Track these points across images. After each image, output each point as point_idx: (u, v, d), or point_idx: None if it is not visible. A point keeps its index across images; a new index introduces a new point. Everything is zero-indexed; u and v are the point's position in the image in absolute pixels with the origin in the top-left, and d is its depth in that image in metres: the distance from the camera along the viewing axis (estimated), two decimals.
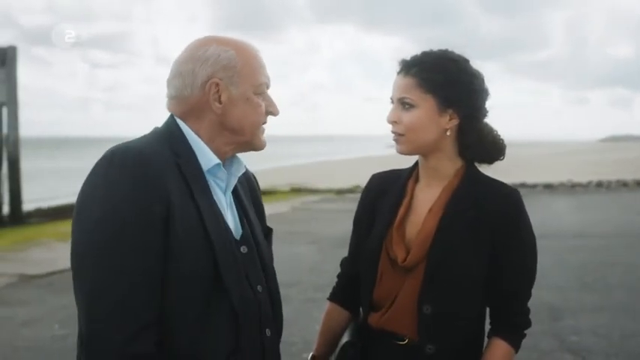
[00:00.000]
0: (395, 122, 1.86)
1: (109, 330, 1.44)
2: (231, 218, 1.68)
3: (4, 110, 15.36)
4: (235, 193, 1.73)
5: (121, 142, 1.58)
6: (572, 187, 20.78)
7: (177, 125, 1.64)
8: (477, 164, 1.94)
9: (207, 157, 1.62)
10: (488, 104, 1.90)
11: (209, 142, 1.64)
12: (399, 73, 1.89)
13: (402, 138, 1.86)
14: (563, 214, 13.90)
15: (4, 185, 15.41)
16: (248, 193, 1.80)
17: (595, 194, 18.64)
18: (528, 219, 1.89)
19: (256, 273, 1.68)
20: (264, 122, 1.70)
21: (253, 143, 1.69)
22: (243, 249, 1.66)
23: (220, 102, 1.62)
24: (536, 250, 1.90)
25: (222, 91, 1.62)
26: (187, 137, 1.63)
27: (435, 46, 1.90)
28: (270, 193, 19.16)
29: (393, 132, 1.87)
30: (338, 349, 1.97)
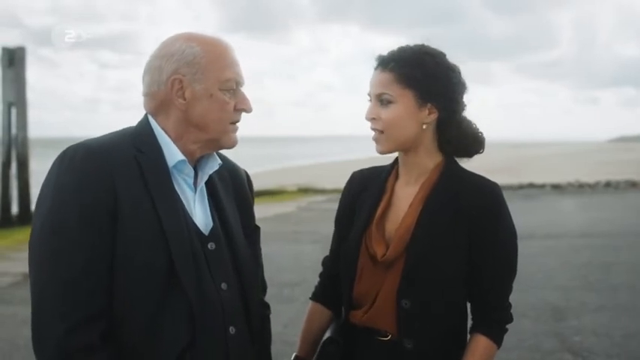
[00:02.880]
0: (374, 119, 1.86)
1: (50, 322, 1.48)
2: (200, 214, 1.68)
3: (13, 110, 15.46)
4: (212, 189, 1.73)
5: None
6: (580, 188, 20.69)
7: (148, 122, 1.67)
8: (458, 159, 1.92)
9: (172, 153, 1.63)
10: (466, 98, 1.90)
11: (177, 140, 1.65)
12: (375, 68, 1.88)
13: (382, 136, 1.85)
14: (570, 215, 13.84)
15: (13, 185, 15.50)
16: (230, 190, 1.78)
17: (603, 194, 18.54)
18: (508, 213, 1.87)
19: (223, 270, 1.67)
20: (235, 120, 1.68)
21: (221, 141, 1.68)
22: (211, 245, 1.66)
23: (184, 98, 1.62)
24: (516, 244, 1.88)
25: (185, 88, 1.62)
26: (155, 133, 1.65)
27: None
28: (277, 193, 19.18)
29: (372, 129, 1.86)
30: (319, 346, 1.96)
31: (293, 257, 8.85)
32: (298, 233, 11.23)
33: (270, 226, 11.80)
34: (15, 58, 15.17)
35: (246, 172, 1.89)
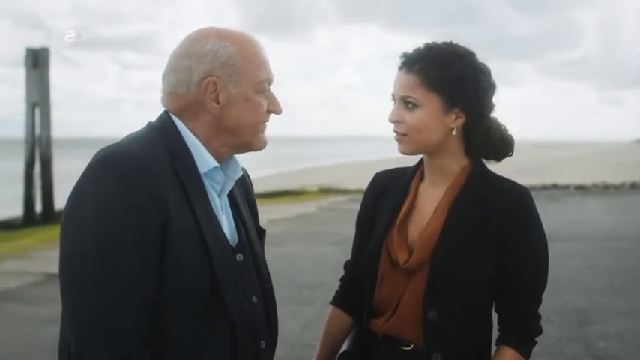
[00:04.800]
0: (397, 122, 1.78)
1: (102, 348, 1.36)
2: (226, 224, 1.59)
3: (37, 111, 15.64)
4: (231, 196, 1.64)
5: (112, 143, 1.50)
6: (605, 189, 20.41)
7: (173, 123, 1.55)
8: (485, 161, 1.85)
9: (204, 160, 1.53)
10: (494, 99, 1.81)
11: (206, 143, 1.54)
12: (400, 68, 1.79)
13: (405, 138, 1.77)
14: (595, 216, 13.66)
15: (37, 185, 15.67)
16: (243, 194, 1.70)
17: (628, 196, 18.28)
18: (538, 218, 1.79)
19: (252, 282, 1.59)
20: (266, 121, 1.60)
21: (252, 144, 1.59)
22: (239, 257, 1.57)
23: (218, 102, 1.52)
24: (546, 251, 1.81)
25: (219, 90, 1.52)
26: (184, 137, 1.53)
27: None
28: (299, 193, 19.16)
29: (395, 131, 1.79)
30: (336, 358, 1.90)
31: (313, 258, 8.80)
32: (319, 234, 11.18)
33: (291, 226, 11.78)
34: (39, 59, 15.34)
35: (246, 172, 1.78)
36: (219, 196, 1.59)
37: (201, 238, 1.46)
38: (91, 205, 1.38)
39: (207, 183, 1.55)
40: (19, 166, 16.27)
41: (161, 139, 1.51)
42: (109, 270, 1.36)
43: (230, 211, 1.63)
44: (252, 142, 1.59)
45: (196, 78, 1.52)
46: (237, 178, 1.63)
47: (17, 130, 16.60)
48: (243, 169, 1.75)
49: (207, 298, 1.46)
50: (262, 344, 1.59)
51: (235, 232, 1.61)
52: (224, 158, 1.60)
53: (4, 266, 8.85)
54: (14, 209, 15.55)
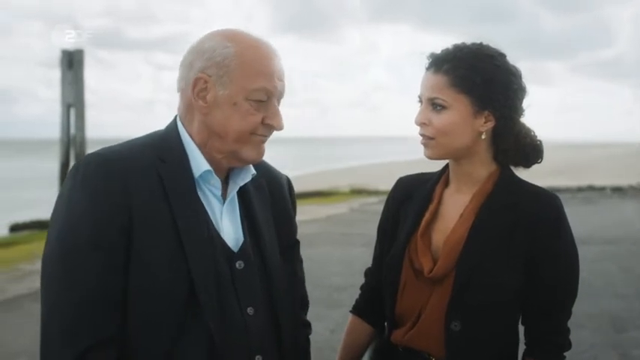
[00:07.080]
0: (424, 124, 1.71)
1: (59, 347, 1.39)
2: (229, 229, 1.55)
3: (72, 112, 15.87)
4: (246, 200, 1.59)
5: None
6: None
7: (176, 126, 1.55)
8: (513, 168, 1.78)
9: (197, 163, 1.51)
10: (524, 103, 1.74)
11: (201, 146, 1.52)
12: (428, 69, 1.72)
13: (432, 142, 1.70)
14: (632, 219, 13.39)
15: None
16: (267, 201, 1.64)
17: None
18: (569, 227, 1.72)
19: (250, 292, 1.53)
20: (261, 134, 1.52)
21: (240, 154, 1.52)
22: (239, 264, 1.52)
23: (206, 101, 1.49)
24: (577, 261, 1.73)
25: (209, 90, 1.48)
26: (182, 140, 1.53)
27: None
28: (330, 194, 19.14)
29: (421, 134, 1.72)
30: None
31: (343, 260, 8.76)
32: (349, 235, 11.13)
33: (321, 227, 11.75)
34: (73, 61, 15.55)
35: (287, 179, 1.75)
36: (220, 200, 1.55)
37: (178, 241, 1.44)
38: (62, 209, 1.45)
39: (204, 186, 1.53)
40: (54, 167, 16.52)
41: (155, 142, 1.53)
42: (67, 272, 1.40)
43: (239, 216, 1.58)
44: (239, 151, 1.52)
45: (192, 75, 1.51)
46: (242, 183, 1.58)
47: (53, 131, 16.86)
48: (286, 177, 1.74)
49: (183, 304, 1.43)
50: (258, 359, 1.52)
51: (242, 238, 1.56)
52: (223, 165, 1.56)
53: (37, 266, 8.98)
54: (49, 209, 15.77)
